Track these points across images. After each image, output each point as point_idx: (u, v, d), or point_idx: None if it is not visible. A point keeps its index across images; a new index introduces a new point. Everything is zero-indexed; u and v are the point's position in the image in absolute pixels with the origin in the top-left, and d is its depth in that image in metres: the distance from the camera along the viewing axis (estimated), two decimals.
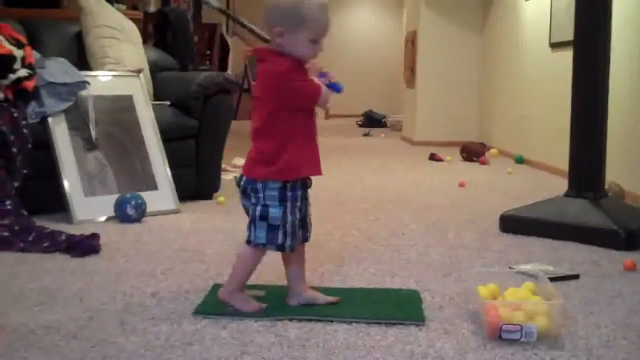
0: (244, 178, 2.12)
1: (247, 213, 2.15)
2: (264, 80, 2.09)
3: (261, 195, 2.08)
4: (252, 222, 2.10)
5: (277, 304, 2.21)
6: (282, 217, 2.08)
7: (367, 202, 4.16)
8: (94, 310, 2.16)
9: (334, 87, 2.14)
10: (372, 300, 2.27)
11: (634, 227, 3.09)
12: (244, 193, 2.13)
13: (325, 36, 2.07)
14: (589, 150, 3.40)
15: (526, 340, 1.92)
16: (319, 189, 4.39)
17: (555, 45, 5.80)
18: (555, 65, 5.76)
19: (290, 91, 2.05)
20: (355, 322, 2.07)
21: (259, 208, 2.08)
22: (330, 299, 2.21)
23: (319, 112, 13.21)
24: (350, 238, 3.21)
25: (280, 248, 2.11)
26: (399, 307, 2.20)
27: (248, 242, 2.13)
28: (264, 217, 2.08)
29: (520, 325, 1.92)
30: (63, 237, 2.96)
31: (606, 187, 3.56)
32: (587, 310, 2.24)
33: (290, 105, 2.07)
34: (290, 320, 2.08)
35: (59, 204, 3.51)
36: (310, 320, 2.08)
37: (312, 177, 2.17)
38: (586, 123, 3.39)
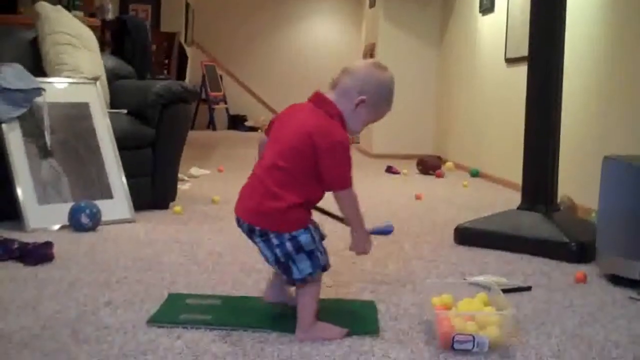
0: (258, 229, 2.00)
1: (267, 257, 2.03)
2: (318, 139, 1.97)
3: (286, 233, 1.99)
4: (289, 260, 1.99)
5: (232, 314, 2.21)
6: (312, 239, 2.01)
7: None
8: (47, 319, 2.13)
9: (384, 231, 2.32)
10: (327, 311, 2.28)
11: (585, 239, 3.15)
12: (263, 236, 2.00)
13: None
14: (541, 165, 3.46)
15: (478, 350, 1.95)
16: None
17: (510, 61, 5.90)
18: (511, 80, 5.85)
19: (341, 161, 1.99)
20: None
21: (288, 244, 1.98)
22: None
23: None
24: None
25: (324, 268, 2.05)
26: (354, 318, 2.21)
27: (294, 282, 2.03)
28: (299, 248, 1.98)
29: (472, 335, 1.95)
30: (16, 245, 2.92)
31: (559, 200, 3.63)
32: (539, 321, 2.27)
33: (325, 172, 1.99)
34: (246, 329, 2.07)
35: (12, 212, 3.46)
36: (265, 330, 2.08)
37: None
38: (539, 137, 3.46)
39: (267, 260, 2.04)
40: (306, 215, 2.04)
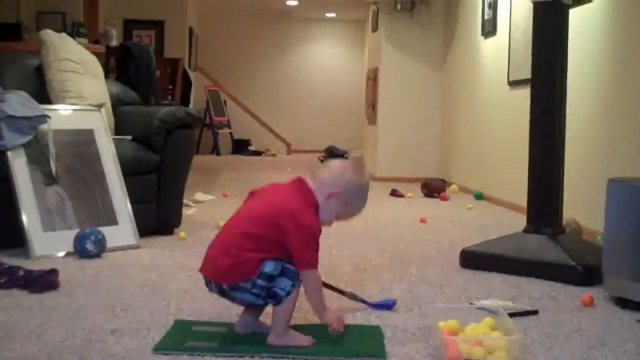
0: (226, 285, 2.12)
1: (249, 301, 2.15)
2: (289, 220, 2.09)
3: (252, 277, 2.09)
4: (270, 290, 2.09)
5: (238, 340, 2.20)
6: (274, 263, 2.09)
7: (332, 238, 4.16)
8: (53, 347, 2.13)
9: (386, 305, 2.48)
10: (334, 336, 2.27)
11: (591, 262, 3.13)
12: (235, 289, 2.12)
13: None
14: (546, 187, 3.46)
15: None
16: None
17: (513, 84, 5.91)
18: (514, 103, 5.86)
19: (308, 242, 2.09)
20: (317, 358, 2.07)
21: (259, 281, 2.08)
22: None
23: (281, 147, 13.24)
24: None
25: (298, 277, 2.12)
26: (360, 343, 2.21)
27: (281, 301, 2.11)
28: (270, 278, 2.08)
29: None
30: (21, 272, 2.91)
31: (564, 223, 3.62)
32: (546, 345, 2.26)
33: (293, 250, 2.09)
34: (252, 357, 2.07)
35: (17, 239, 3.46)
36: (272, 357, 2.07)
37: None
38: (544, 160, 3.46)
39: (250, 304, 2.17)
40: (265, 254, 2.11)
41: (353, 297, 2.66)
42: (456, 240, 4.14)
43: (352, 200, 2.24)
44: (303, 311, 2.57)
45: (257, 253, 2.08)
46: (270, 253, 2.09)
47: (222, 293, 2.15)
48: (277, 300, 2.11)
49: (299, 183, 2.20)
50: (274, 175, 7.89)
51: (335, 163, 2.26)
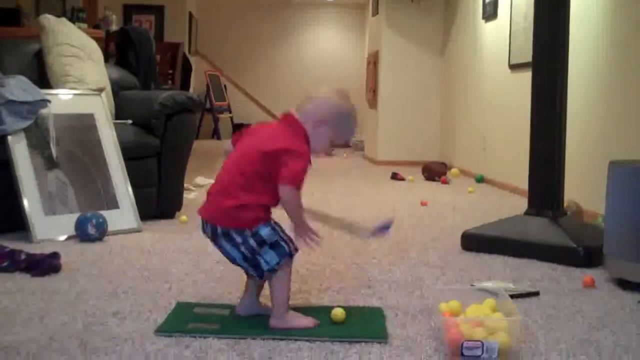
0: (220, 228, 2.14)
1: (234, 257, 2.16)
2: (274, 150, 2.12)
3: (247, 230, 2.12)
4: (255, 255, 2.12)
5: (240, 322, 2.20)
6: (273, 231, 2.13)
7: None
8: (55, 331, 2.13)
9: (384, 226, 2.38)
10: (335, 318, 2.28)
11: (592, 244, 3.13)
12: (226, 236, 2.14)
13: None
14: (547, 170, 3.45)
15: (487, 357, 1.94)
16: None
17: (514, 67, 5.90)
18: (515, 86, 5.85)
19: (297, 161, 2.11)
20: (319, 340, 2.07)
21: (251, 240, 2.12)
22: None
23: None
24: (314, 257, 3.21)
25: (291, 255, 2.15)
26: (362, 325, 2.21)
27: (262, 275, 2.15)
28: (261, 242, 2.12)
29: (481, 341, 1.94)
30: (23, 256, 2.92)
31: (565, 205, 3.62)
32: (548, 326, 2.27)
33: (282, 167, 2.11)
34: (254, 338, 2.07)
35: (18, 223, 3.47)
36: (274, 339, 2.07)
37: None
38: (545, 143, 3.45)
39: (234, 260, 2.17)
40: (265, 214, 2.15)
41: (347, 226, 2.53)
42: (457, 223, 4.14)
43: (341, 124, 2.26)
44: (305, 292, 2.58)
45: (252, 194, 2.11)
46: (263, 197, 2.12)
47: (214, 237, 2.16)
48: (258, 271, 2.14)
49: (287, 117, 2.23)
50: None
51: (319, 93, 2.27)
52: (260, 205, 2.13)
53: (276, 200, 2.15)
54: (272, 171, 2.11)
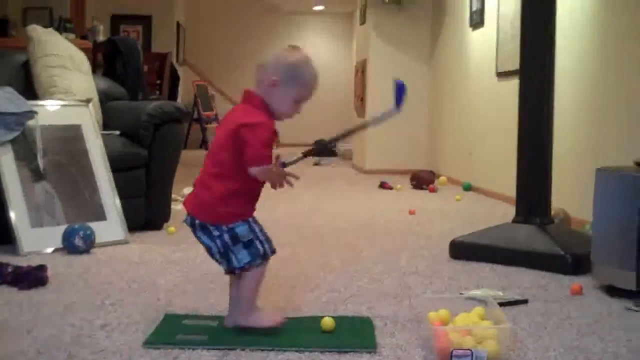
0: (199, 221, 2.16)
1: (210, 248, 2.19)
2: (234, 128, 2.12)
3: (224, 225, 2.14)
4: (228, 251, 2.15)
5: (229, 334, 2.20)
6: (249, 230, 2.15)
7: (324, 228, 4.16)
8: (42, 343, 2.12)
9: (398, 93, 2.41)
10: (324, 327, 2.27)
11: (580, 252, 3.14)
12: (204, 228, 2.16)
13: (306, 102, 2.23)
14: (535, 178, 3.47)
15: None
16: (275, 217, 4.40)
17: (501, 75, 5.92)
18: (502, 94, 5.87)
19: (260, 138, 2.10)
20: (308, 351, 2.07)
21: (226, 236, 2.14)
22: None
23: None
24: (304, 266, 3.21)
25: (265, 256, 2.16)
26: (351, 335, 2.21)
27: (233, 270, 2.18)
28: (235, 239, 2.13)
29: (470, 350, 1.94)
30: (9, 269, 2.90)
31: (553, 213, 3.63)
32: (536, 334, 2.27)
33: (246, 148, 2.09)
34: (243, 349, 2.07)
35: (5, 236, 3.45)
36: (263, 349, 2.07)
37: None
38: (532, 151, 3.47)
39: (209, 251, 2.19)
40: (243, 209, 2.17)
41: (365, 123, 2.51)
42: (445, 231, 4.15)
43: (295, 78, 2.17)
44: (294, 301, 2.58)
45: (223, 182, 2.12)
46: (235, 183, 2.12)
47: (193, 227, 2.18)
48: (228, 265, 2.16)
49: (245, 94, 2.21)
50: None
51: (267, 58, 2.23)
52: (234, 196, 2.13)
53: (255, 186, 2.17)
54: (241, 151, 2.10)
